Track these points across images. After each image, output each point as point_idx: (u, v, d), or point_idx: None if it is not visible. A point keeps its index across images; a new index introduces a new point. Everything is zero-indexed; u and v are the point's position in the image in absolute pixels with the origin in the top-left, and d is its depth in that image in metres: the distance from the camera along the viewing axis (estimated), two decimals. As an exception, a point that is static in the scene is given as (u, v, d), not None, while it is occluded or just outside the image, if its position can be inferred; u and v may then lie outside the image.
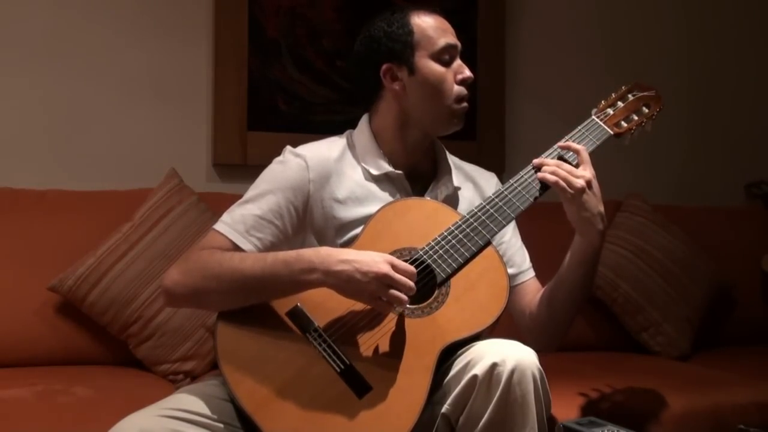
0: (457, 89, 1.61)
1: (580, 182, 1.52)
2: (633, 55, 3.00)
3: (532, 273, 1.74)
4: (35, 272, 2.09)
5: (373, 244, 1.49)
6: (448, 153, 1.71)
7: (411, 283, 1.39)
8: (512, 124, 2.84)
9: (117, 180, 2.34)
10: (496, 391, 1.31)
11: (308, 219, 1.58)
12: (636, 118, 1.71)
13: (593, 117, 1.69)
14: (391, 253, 1.46)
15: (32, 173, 2.34)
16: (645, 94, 1.73)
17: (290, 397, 1.39)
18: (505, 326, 1.51)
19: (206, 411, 1.40)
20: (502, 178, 1.80)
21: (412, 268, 1.41)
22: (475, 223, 1.53)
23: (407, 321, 1.45)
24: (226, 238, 1.52)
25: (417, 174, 1.66)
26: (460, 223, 1.53)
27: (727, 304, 2.66)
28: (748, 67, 3.20)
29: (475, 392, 1.33)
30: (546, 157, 1.60)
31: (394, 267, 1.39)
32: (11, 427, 1.62)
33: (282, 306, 1.45)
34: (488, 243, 1.52)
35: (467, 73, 1.62)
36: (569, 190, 1.52)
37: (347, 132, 1.70)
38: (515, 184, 1.58)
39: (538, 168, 1.58)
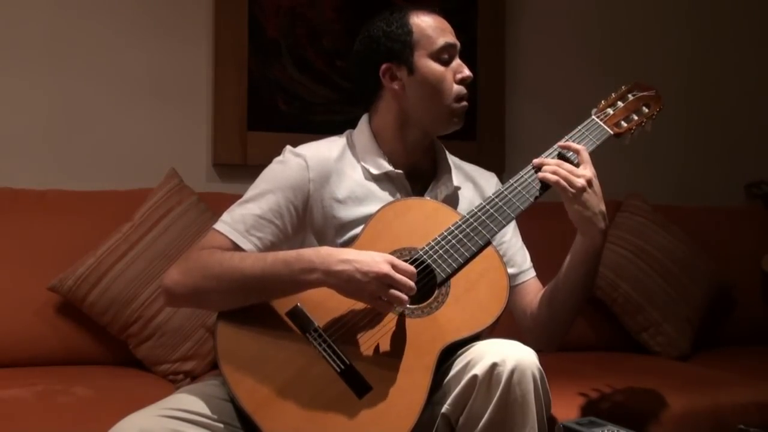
0: (457, 88, 1.61)
1: (581, 181, 1.52)
2: (633, 55, 3.00)
3: (532, 273, 1.74)
4: (35, 272, 2.09)
5: (373, 243, 1.49)
6: (447, 153, 1.71)
7: (411, 283, 1.39)
8: (512, 124, 2.84)
9: (117, 180, 2.34)
10: (496, 391, 1.31)
11: (308, 219, 1.58)
12: (636, 117, 1.71)
13: (593, 117, 1.68)
14: (391, 253, 1.46)
15: (32, 173, 2.33)
16: (645, 93, 1.73)
17: (290, 397, 1.39)
18: (505, 326, 1.51)
19: (206, 411, 1.40)
20: (502, 178, 1.80)
21: (412, 268, 1.41)
22: (475, 223, 1.53)
23: (407, 321, 1.45)
24: (226, 237, 1.52)
25: (417, 173, 1.66)
26: (460, 223, 1.53)
27: (727, 304, 2.66)
28: (748, 67, 3.20)
29: (475, 392, 1.33)
30: (546, 156, 1.60)
31: (394, 267, 1.39)
32: (11, 427, 1.62)
33: (282, 306, 1.45)
34: (488, 243, 1.52)
35: (466, 72, 1.62)
36: (570, 189, 1.52)
37: (347, 132, 1.70)
38: (515, 184, 1.58)
39: (538, 168, 1.58)
